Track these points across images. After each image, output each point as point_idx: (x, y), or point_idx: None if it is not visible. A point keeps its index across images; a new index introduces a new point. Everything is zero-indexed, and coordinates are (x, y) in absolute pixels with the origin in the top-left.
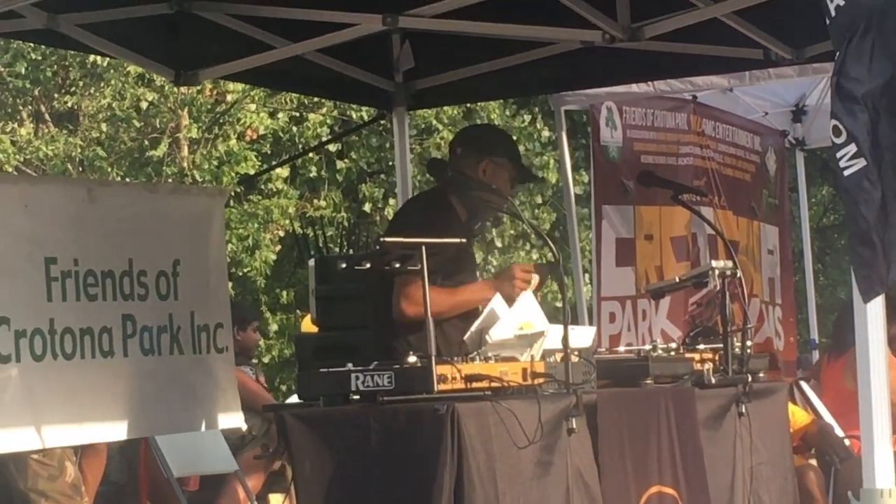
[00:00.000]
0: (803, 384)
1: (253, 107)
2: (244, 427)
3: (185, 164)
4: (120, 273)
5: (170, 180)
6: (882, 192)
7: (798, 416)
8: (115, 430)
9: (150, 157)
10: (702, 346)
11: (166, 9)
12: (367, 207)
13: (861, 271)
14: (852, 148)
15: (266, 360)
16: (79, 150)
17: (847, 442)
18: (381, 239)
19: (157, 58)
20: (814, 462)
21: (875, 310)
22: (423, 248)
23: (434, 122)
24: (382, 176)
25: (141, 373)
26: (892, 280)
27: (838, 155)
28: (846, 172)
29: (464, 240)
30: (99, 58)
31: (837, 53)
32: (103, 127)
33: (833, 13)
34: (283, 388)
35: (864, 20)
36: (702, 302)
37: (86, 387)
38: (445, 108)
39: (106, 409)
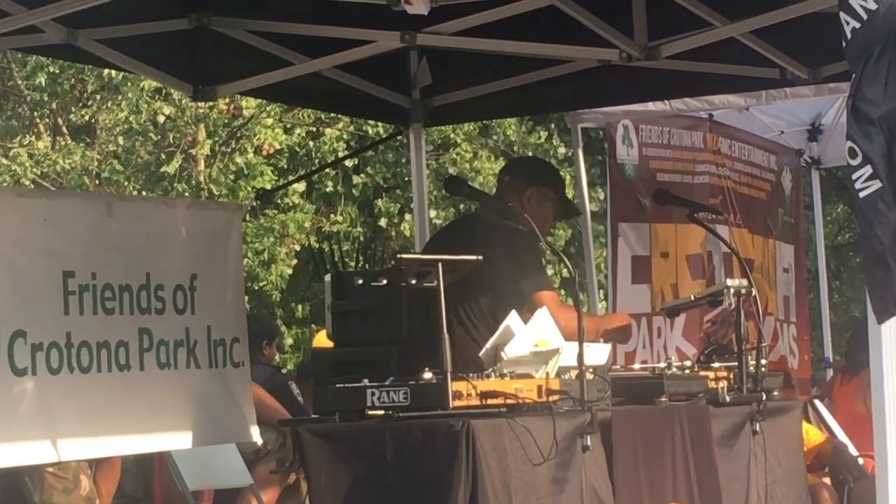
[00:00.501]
0: (817, 402)
1: (269, 121)
2: (260, 441)
3: (202, 179)
4: (137, 287)
5: (186, 194)
6: None
7: (812, 435)
8: (131, 444)
9: (166, 171)
10: (716, 364)
11: (185, 24)
12: (382, 222)
13: (876, 292)
14: (868, 170)
15: None
16: (96, 164)
17: (861, 461)
18: (399, 256)
19: (176, 73)
20: (828, 481)
21: (889, 330)
22: (440, 265)
23: (451, 135)
24: (398, 191)
25: (157, 387)
26: None
27: (854, 176)
28: (861, 194)
29: (481, 258)
30: (115, 71)
31: (853, 75)
32: (120, 140)
33: (849, 35)
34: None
35: (881, 43)
36: (717, 320)
37: (102, 400)
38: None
39: (121, 422)
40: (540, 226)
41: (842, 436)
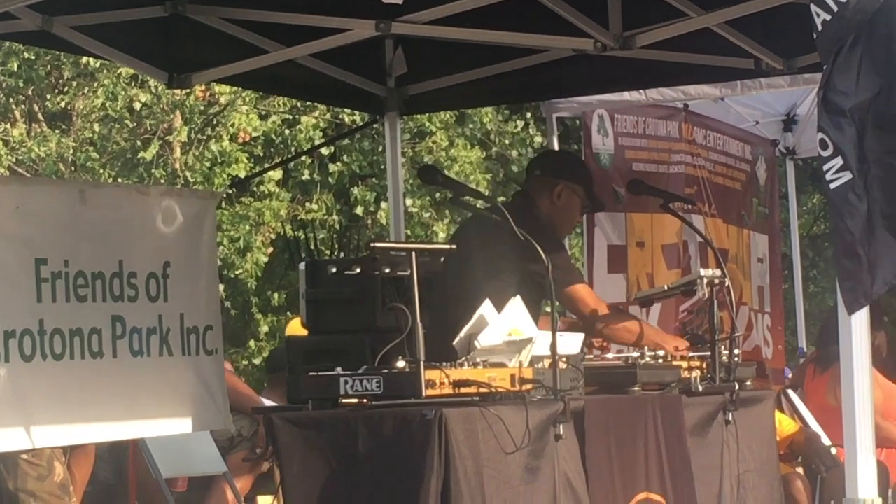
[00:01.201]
0: (790, 392)
1: (245, 108)
2: (233, 429)
3: (178, 166)
4: (110, 274)
5: (162, 181)
6: (868, 206)
7: (785, 425)
8: (104, 431)
9: (142, 158)
10: (690, 354)
11: (160, 12)
12: (358, 211)
13: (846, 283)
14: (838, 161)
15: (257, 361)
16: (71, 151)
17: (833, 451)
18: (372, 245)
19: (151, 60)
20: (800, 470)
21: (859, 321)
22: (413, 253)
23: (427, 123)
24: (374, 179)
25: (130, 374)
26: (877, 293)
27: (825, 167)
28: (832, 185)
29: (454, 246)
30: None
31: (825, 67)
32: (96, 127)
33: (820, 27)
34: None
35: (853, 34)
36: (693, 310)
37: (75, 387)
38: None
39: (95, 409)
40: (567, 220)
41: (815, 426)
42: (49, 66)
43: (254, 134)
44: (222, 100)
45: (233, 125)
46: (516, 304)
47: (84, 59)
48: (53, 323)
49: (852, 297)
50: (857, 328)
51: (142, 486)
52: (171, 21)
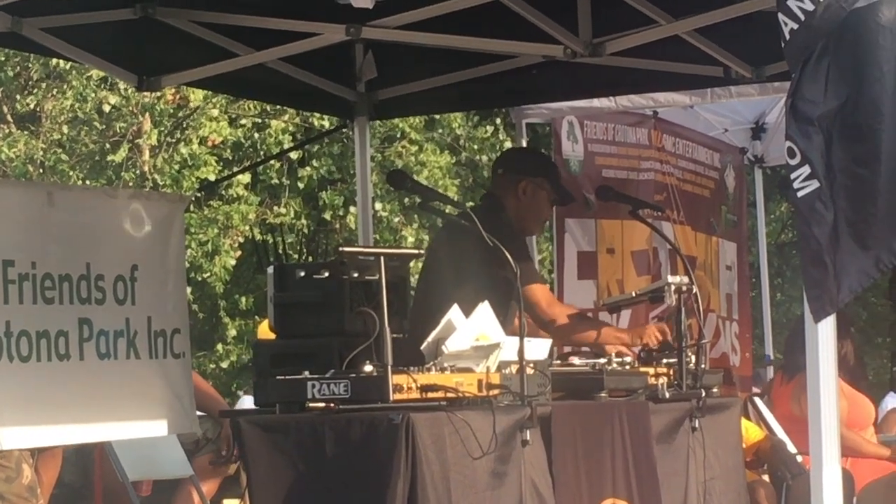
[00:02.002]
0: (757, 400)
1: (216, 112)
2: (199, 433)
3: (147, 169)
4: (77, 277)
5: (130, 184)
6: (834, 214)
7: (751, 432)
8: (72, 434)
9: (111, 160)
10: (656, 345)
11: (130, 14)
12: (327, 215)
13: (812, 292)
14: (806, 170)
15: (225, 365)
16: (40, 153)
17: (799, 458)
18: (341, 249)
19: (121, 63)
20: (766, 478)
21: (826, 329)
22: (382, 258)
23: (400, 125)
24: (343, 184)
25: (97, 377)
26: (843, 300)
27: (792, 176)
28: (799, 194)
29: (422, 251)
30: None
31: (793, 75)
32: (65, 129)
33: (787, 36)
34: (241, 393)
35: (822, 42)
36: (663, 316)
37: (42, 390)
38: None
39: (62, 412)
40: (535, 216)
41: (781, 433)
42: (18, 68)
43: (220, 140)
44: (192, 104)
45: (203, 131)
46: (484, 309)
47: (53, 61)
48: (20, 325)
49: (819, 305)
50: (824, 337)
51: (108, 488)
52: (141, 24)
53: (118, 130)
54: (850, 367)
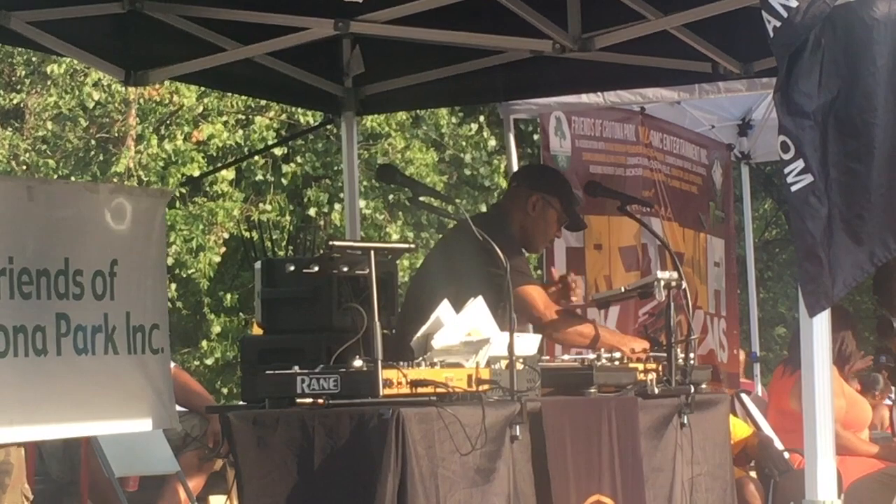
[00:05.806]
0: (744, 396)
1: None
2: (179, 428)
3: (132, 164)
4: (55, 272)
5: (115, 180)
6: (828, 209)
7: (739, 429)
8: (49, 430)
9: (96, 156)
10: (648, 355)
11: (118, 8)
12: (311, 212)
13: (807, 286)
14: (800, 164)
15: (209, 362)
16: (24, 150)
17: (786, 455)
18: (331, 243)
19: (108, 57)
20: (753, 474)
21: (821, 324)
22: (372, 252)
23: (385, 126)
24: (328, 181)
25: (75, 372)
26: (838, 295)
27: (786, 171)
28: (793, 188)
29: (413, 245)
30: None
31: (780, 71)
32: (49, 125)
33: (772, 34)
34: (225, 390)
35: (815, 35)
36: (654, 312)
37: (18, 385)
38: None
39: (39, 408)
40: (541, 232)
41: (768, 430)
42: (1, 64)
43: (216, 139)
44: (186, 102)
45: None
46: (478, 305)
47: (37, 56)
48: None
49: (814, 299)
50: (819, 331)
51: (94, 484)
52: (129, 18)
53: (103, 125)
54: (848, 356)
